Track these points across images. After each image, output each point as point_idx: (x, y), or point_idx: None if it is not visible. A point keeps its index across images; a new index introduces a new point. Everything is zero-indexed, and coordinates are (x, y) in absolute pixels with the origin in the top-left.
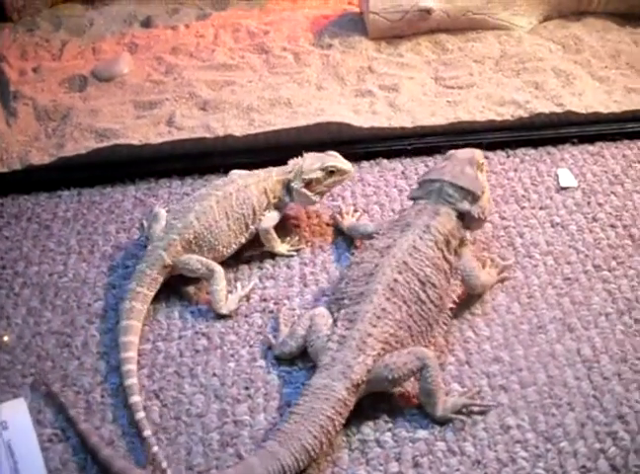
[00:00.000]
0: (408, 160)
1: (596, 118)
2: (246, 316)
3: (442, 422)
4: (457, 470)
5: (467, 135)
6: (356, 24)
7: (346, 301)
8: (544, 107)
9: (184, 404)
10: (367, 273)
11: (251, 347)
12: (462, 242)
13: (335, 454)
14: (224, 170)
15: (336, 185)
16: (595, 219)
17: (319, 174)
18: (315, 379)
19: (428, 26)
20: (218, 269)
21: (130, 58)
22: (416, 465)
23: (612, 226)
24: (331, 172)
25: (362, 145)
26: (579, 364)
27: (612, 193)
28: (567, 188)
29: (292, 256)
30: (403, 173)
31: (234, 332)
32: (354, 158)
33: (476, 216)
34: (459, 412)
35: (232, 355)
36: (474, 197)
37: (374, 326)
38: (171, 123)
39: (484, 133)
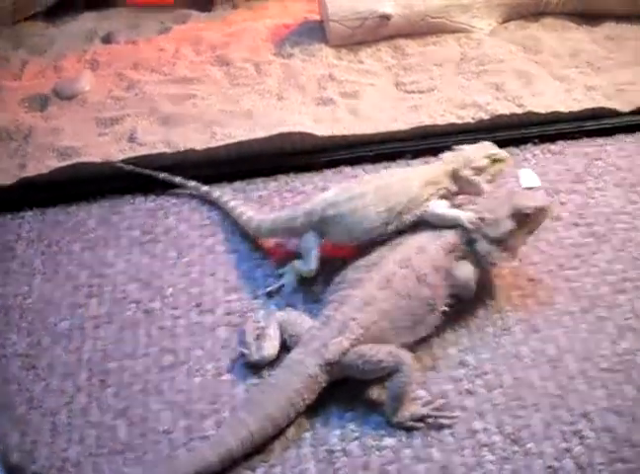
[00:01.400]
0: (370, 166)
1: (556, 118)
2: (211, 330)
3: (397, 427)
4: None
5: (429, 139)
6: (316, 32)
7: (344, 285)
8: (505, 108)
9: (150, 421)
10: (371, 262)
11: (217, 361)
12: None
13: (302, 466)
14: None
15: (498, 174)
16: (557, 218)
17: (486, 162)
18: (292, 353)
19: (387, 31)
20: None
21: (92, 75)
22: (383, 473)
23: (575, 224)
24: (494, 160)
25: (325, 154)
26: (544, 365)
27: (574, 191)
28: (530, 188)
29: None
30: None
31: (200, 347)
32: (317, 167)
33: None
34: (418, 420)
35: (198, 371)
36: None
37: (360, 311)
38: (132, 140)
39: (446, 137)
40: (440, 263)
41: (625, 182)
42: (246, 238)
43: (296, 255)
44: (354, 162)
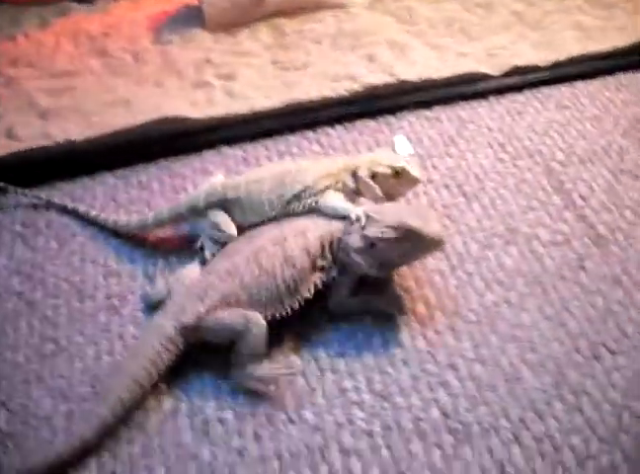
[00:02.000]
0: (249, 145)
1: (430, 84)
2: (91, 315)
3: (239, 386)
4: (297, 437)
5: (305, 114)
6: (195, 17)
7: (220, 254)
8: (378, 79)
9: (31, 409)
10: (251, 235)
11: (96, 345)
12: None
13: (178, 436)
14: (70, 175)
15: (402, 190)
16: (429, 181)
17: (386, 170)
18: (156, 316)
19: (264, 11)
20: None
21: None
22: (257, 438)
23: (446, 186)
24: (397, 173)
25: (203, 135)
26: (413, 323)
27: (447, 154)
28: (403, 155)
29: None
30: (244, 158)
31: (80, 332)
32: (195, 149)
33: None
34: (262, 381)
35: (78, 356)
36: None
37: (222, 281)
38: (11, 135)
39: (321, 110)
40: (314, 252)
41: (495, 142)
42: None
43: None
44: (232, 142)
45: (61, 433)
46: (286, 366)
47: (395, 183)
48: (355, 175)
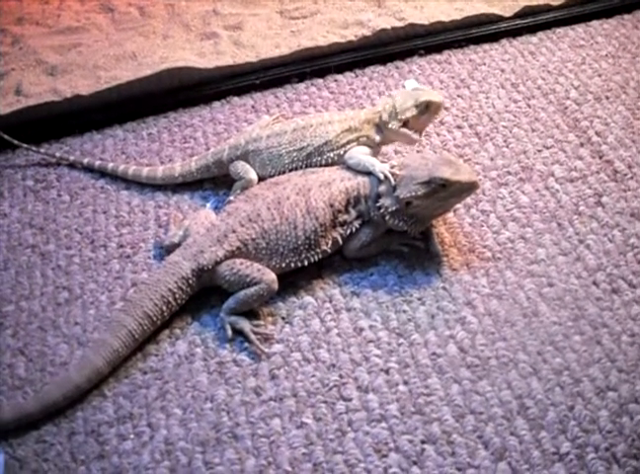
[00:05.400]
0: (258, 94)
1: (441, 28)
2: (104, 264)
3: (220, 322)
4: (313, 376)
5: (314, 61)
6: None
7: (242, 197)
8: (386, 23)
9: (48, 355)
10: (275, 182)
11: (110, 291)
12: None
13: (194, 379)
14: (79, 130)
15: (431, 120)
16: (441, 123)
17: (414, 111)
18: (172, 255)
19: None
20: None
21: None
22: (273, 378)
23: (459, 127)
24: (426, 106)
25: (211, 86)
26: (427, 261)
27: (459, 96)
28: None
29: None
30: (253, 107)
31: (93, 280)
32: (204, 100)
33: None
34: (237, 332)
35: (92, 303)
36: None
37: (242, 226)
38: (19, 93)
39: (330, 57)
40: (337, 205)
41: (508, 83)
42: None
43: None
44: (241, 92)
45: None
46: (263, 334)
47: (424, 118)
48: (384, 128)
